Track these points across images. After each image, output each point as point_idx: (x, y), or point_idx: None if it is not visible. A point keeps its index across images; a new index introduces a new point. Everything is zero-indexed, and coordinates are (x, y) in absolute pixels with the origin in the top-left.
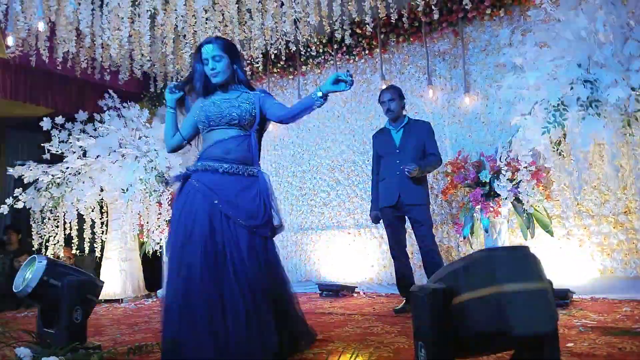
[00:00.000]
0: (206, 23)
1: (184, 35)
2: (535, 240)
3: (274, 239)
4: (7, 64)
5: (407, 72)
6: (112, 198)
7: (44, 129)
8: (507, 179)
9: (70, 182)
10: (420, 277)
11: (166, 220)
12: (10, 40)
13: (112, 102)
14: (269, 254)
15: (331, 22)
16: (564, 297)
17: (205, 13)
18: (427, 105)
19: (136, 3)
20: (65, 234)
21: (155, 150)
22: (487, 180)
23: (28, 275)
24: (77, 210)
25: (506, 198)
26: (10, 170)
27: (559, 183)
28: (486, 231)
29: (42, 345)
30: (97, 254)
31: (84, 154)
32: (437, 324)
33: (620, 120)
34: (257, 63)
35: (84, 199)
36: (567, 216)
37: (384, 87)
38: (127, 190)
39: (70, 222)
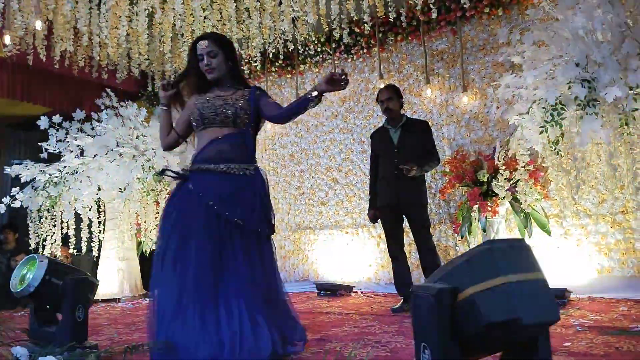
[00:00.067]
0: (204, 22)
1: (182, 34)
2: (533, 240)
3: (270, 238)
4: (4, 62)
5: (405, 71)
6: (110, 197)
7: (41, 127)
8: (505, 178)
9: (67, 181)
10: (418, 276)
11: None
12: (7, 39)
13: (110, 101)
14: (265, 254)
15: (329, 20)
16: (561, 297)
17: (203, 12)
18: (425, 104)
19: (134, 2)
20: (62, 233)
21: (153, 149)
22: (485, 180)
23: (28, 274)
24: (74, 209)
25: (504, 197)
26: (8, 169)
27: (556, 182)
28: (484, 230)
29: (38, 344)
30: (95, 253)
31: (82, 153)
32: (444, 324)
33: (618, 120)
34: (255, 62)
35: (81, 198)
36: (565, 215)
37: (382, 86)
38: (124, 189)
39: (67, 222)
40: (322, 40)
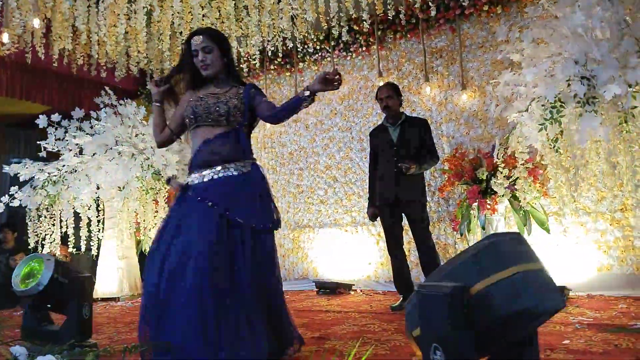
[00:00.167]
0: (202, 20)
1: (181, 32)
2: (532, 237)
3: (273, 233)
4: (2, 61)
5: (405, 68)
6: (109, 196)
7: (40, 126)
8: (504, 176)
9: (66, 180)
10: (417, 274)
11: (162, 218)
12: (5, 37)
13: (109, 100)
14: (265, 254)
15: (328, 18)
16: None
17: (202, 9)
18: (425, 102)
19: (132, 0)
20: (61, 232)
21: (152, 147)
22: (484, 178)
23: (35, 273)
24: (73, 208)
25: (503, 195)
26: (6, 168)
27: (555, 180)
28: (483, 228)
29: (35, 343)
30: (94, 252)
31: (80, 152)
32: (460, 323)
33: (617, 117)
34: (254, 60)
35: (80, 197)
36: (564, 213)
37: (381, 84)
38: (123, 188)
39: (66, 220)
40: (321, 38)
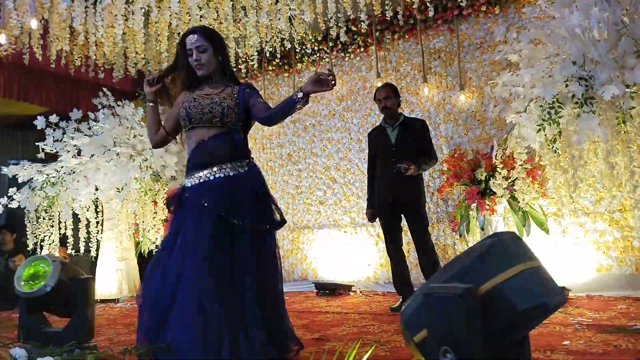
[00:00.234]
0: (200, 20)
1: (178, 33)
2: (531, 238)
3: (275, 234)
4: (0, 62)
5: (403, 69)
6: (107, 197)
7: (38, 127)
8: (503, 177)
9: (65, 181)
10: (416, 275)
11: (161, 220)
12: (3, 38)
13: (107, 101)
14: (265, 254)
15: (326, 19)
16: None
17: (200, 10)
18: (423, 103)
19: (130, 1)
20: (60, 234)
21: (150, 149)
22: (483, 178)
23: (42, 275)
24: (72, 209)
25: (502, 196)
26: (5, 170)
27: (554, 181)
28: (482, 229)
29: (34, 345)
30: (93, 253)
31: (79, 153)
32: (475, 323)
33: (615, 118)
34: (252, 61)
35: (78, 198)
36: (563, 214)
37: (379, 84)
38: (122, 189)
39: (65, 222)
40: (319, 38)
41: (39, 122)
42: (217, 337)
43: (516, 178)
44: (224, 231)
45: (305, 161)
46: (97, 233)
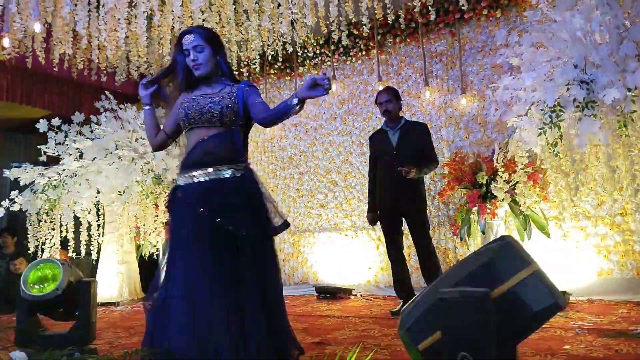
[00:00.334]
0: (203, 24)
1: None
2: (532, 242)
3: (274, 239)
4: (3, 65)
5: (404, 73)
6: (109, 200)
7: (40, 130)
8: (504, 180)
9: (66, 184)
10: (417, 279)
11: (162, 223)
12: (6, 42)
13: (109, 104)
14: (263, 261)
15: (328, 23)
16: None
17: (202, 14)
18: (424, 106)
19: (133, 4)
20: (61, 237)
21: (152, 152)
22: (484, 182)
23: (51, 278)
24: (73, 212)
25: (503, 199)
26: (7, 172)
27: (555, 184)
28: (483, 233)
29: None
30: (94, 256)
31: (81, 156)
32: (493, 326)
33: (617, 121)
34: (254, 64)
35: (80, 201)
36: (564, 217)
37: (380, 88)
38: (123, 192)
39: (66, 225)
40: (321, 42)
41: (42, 125)
42: (214, 342)
43: (517, 182)
44: (221, 236)
45: (307, 164)
46: (98, 236)
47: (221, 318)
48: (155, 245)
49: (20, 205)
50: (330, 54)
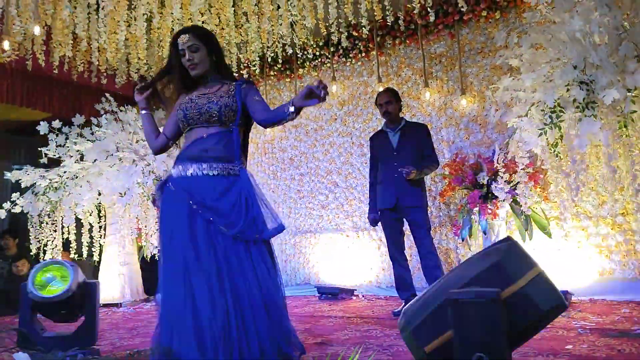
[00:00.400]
0: (202, 26)
1: None
2: (534, 242)
3: (270, 242)
4: (3, 67)
5: (404, 74)
6: (110, 202)
7: (41, 133)
8: (505, 181)
9: (67, 186)
10: (419, 279)
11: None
12: (6, 44)
13: (109, 106)
14: (256, 259)
15: (328, 24)
16: None
17: (202, 16)
18: (424, 107)
19: (132, 7)
20: (63, 239)
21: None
22: (485, 182)
23: (60, 279)
24: (74, 214)
25: (504, 200)
26: (8, 175)
27: (556, 185)
28: (484, 233)
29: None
30: (96, 258)
31: (81, 158)
32: (505, 327)
33: (617, 122)
34: (254, 66)
35: (81, 203)
36: (565, 218)
37: (380, 89)
38: (124, 194)
39: (68, 227)
40: (321, 44)
41: (42, 128)
42: (215, 342)
43: (518, 182)
44: (219, 237)
45: (307, 165)
46: (100, 238)
47: (222, 318)
48: (156, 247)
49: (22, 207)
50: (329, 56)
